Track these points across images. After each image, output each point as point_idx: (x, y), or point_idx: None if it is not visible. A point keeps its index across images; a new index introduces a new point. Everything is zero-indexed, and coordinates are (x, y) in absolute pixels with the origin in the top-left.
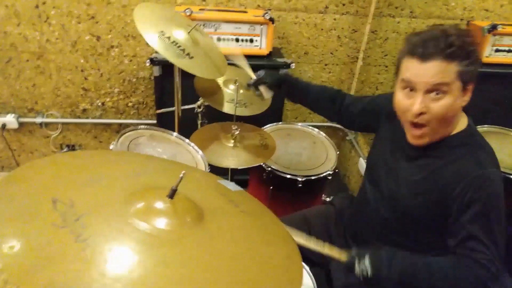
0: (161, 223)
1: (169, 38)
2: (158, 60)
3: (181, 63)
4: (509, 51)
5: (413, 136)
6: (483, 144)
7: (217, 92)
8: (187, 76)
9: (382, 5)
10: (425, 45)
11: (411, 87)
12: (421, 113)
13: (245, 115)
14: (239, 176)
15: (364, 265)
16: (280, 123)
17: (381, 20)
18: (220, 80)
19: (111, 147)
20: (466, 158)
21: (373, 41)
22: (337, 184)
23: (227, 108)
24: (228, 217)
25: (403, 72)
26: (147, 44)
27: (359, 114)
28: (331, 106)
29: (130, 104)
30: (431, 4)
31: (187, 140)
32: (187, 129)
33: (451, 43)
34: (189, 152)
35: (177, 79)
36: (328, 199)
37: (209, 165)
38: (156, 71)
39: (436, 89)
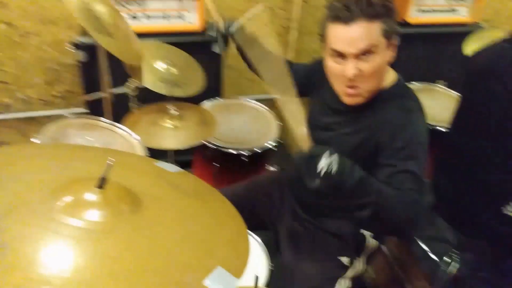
0: (93, 215)
1: (90, 10)
2: (83, 45)
3: (101, 39)
4: (431, 11)
5: (348, 95)
6: (411, 94)
7: (147, 69)
8: (116, 59)
9: None
10: (347, 8)
11: (340, 55)
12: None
13: (179, 95)
14: (183, 157)
15: (333, 160)
16: (218, 98)
17: None
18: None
19: (34, 140)
20: (394, 107)
21: (305, 10)
22: (283, 155)
23: (160, 88)
24: (168, 200)
25: (331, 41)
26: (68, 28)
27: (301, 82)
28: None
29: (56, 93)
30: None
31: (119, 125)
32: (122, 114)
33: (371, 3)
34: (124, 138)
35: (104, 61)
36: (273, 168)
37: (149, 149)
38: (82, 56)
39: (365, 52)
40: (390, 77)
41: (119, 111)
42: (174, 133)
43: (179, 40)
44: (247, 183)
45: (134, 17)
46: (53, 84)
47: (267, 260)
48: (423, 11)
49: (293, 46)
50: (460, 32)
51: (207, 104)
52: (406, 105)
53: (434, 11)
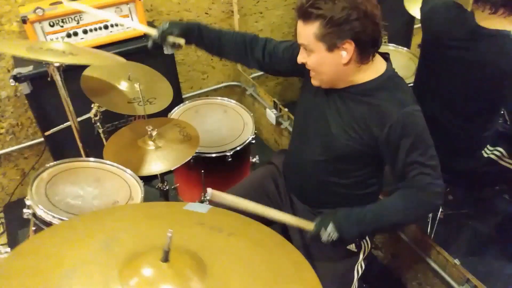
0: None
1: (41, 48)
2: (24, 76)
3: (67, 59)
4: None
5: (311, 76)
6: (401, 84)
7: (112, 92)
8: (70, 84)
9: None
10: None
11: None
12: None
13: (154, 112)
14: None
15: (330, 231)
16: (187, 102)
17: None
18: (114, 81)
19: (28, 202)
20: (387, 100)
21: None
22: (261, 144)
23: (130, 109)
24: (222, 248)
25: None
26: None
27: (289, 60)
28: (249, 53)
29: (2, 130)
30: None
31: (108, 162)
32: (88, 143)
33: (310, 6)
34: (114, 173)
35: (63, 90)
36: (254, 159)
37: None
38: (25, 88)
39: (305, 48)
40: (379, 69)
41: (85, 139)
42: (159, 153)
43: (125, 49)
44: (242, 184)
45: (75, 34)
46: None
47: None
48: None
49: (237, 29)
50: None
51: (175, 112)
52: (400, 98)
53: None
